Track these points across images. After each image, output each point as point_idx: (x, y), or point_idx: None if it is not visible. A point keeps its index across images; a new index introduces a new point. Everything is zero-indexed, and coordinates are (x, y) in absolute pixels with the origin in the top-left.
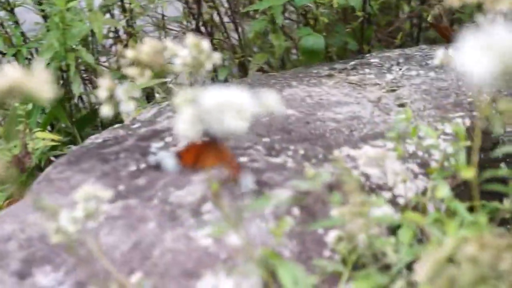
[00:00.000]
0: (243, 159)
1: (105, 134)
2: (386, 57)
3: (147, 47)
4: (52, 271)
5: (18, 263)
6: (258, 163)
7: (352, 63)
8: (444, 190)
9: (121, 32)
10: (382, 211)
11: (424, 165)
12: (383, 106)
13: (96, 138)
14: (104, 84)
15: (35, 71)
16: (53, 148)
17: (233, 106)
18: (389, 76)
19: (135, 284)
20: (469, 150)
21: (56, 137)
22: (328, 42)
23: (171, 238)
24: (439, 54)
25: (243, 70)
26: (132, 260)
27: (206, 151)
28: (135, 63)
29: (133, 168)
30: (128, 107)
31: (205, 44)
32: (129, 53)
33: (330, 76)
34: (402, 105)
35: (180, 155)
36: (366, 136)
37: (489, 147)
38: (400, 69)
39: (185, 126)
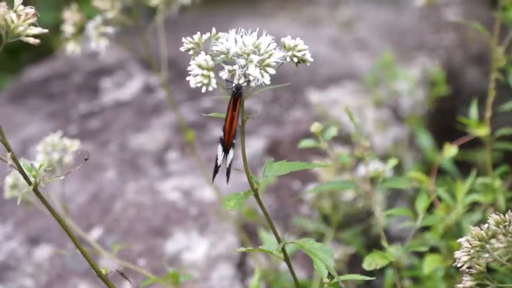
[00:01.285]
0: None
1: (46, 68)
2: None
3: None
4: None
5: None
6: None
7: None
8: (452, 150)
9: None
10: (373, 166)
11: (395, 111)
12: (341, 45)
13: (35, 72)
14: (71, 17)
15: None
16: None
17: (256, 52)
18: (345, 12)
19: (95, 241)
20: (479, 105)
21: None
22: None
23: (134, 190)
24: None
25: None
26: (91, 214)
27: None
28: None
29: (84, 108)
30: (99, 45)
31: None
32: None
33: (283, 8)
34: (361, 45)
35: None
36: (329, 77)
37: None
38: (357, 5)
39: (199, 76)
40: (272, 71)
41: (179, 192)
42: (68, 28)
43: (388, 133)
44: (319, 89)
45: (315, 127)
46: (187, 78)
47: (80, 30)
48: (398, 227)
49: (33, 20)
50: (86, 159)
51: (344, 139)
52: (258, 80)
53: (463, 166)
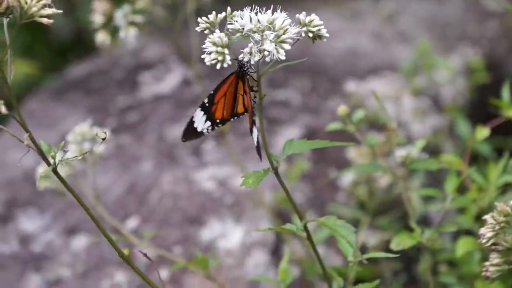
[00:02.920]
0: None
1: (88, 65)
2: None
3: None
4: (37, 215)
5: None
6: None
7: None
8: (484, 132)
9: None
10: (406, 150)
11: (436, 101)
12: (383, 38)
13: (78, 69)
14: (100, 7)
15: None
16: (31, 77)
17: (272, 28)
18: (387, 5)
19: (131, 231)
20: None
21: (33, 65)
22: None
23: (170, 180)
24: None
25: None
26: (128, 205)
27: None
28: None
29: (123, 102)
30: (128, 34)
31: None
32: None
33: (325, 2)
34: (403, 37)
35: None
36: (369, 69)
37: None
38: None
39: (213, 53)
40: (287, 46)
41: (214, 182)
42: (97, 18)
43: (427, 122)
44: (358, 80)
45: (341, 109)
46: (202, 56)
47: (110, 20)
48: (429, 209)
49: (47, 1)
50: (103, 139)
51: (380, 127)
52: (273, 55)
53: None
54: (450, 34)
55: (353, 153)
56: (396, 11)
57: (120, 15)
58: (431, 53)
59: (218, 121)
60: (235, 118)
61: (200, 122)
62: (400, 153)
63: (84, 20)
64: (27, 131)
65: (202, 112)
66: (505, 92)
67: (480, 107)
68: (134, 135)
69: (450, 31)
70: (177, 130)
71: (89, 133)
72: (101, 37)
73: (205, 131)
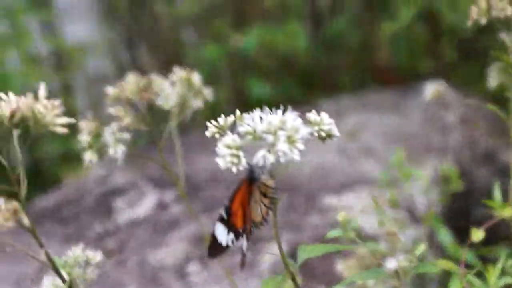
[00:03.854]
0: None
1: (56, 195)
2: (339, 102)
3: (131, 84)
4: None
5: None
6: None
7: (305, 108)
8: (479, 234)
9: None
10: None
11: (411, 211)
12: (349, 153)
13: (45, 200)
14: (86, 126)
15: None
16: None
17: (285, 129)
18: (348, 122)
19: None
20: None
21: None
22: (275, 90)
23: None
24: (429, 88)
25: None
26: None
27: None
28: (118, 101)
29: (99, 229)
30: (117, 151)
31: (196, 78)
32: (112, 90)
33: None
34: (368, 152)
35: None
36: (341, 183)
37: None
38: (358, 114)
39: (226, 156)
40: (301, 146)
41: None
42: (84, 137)
43: (407, 233)
44: (333, 194)
45: (341, 216)
46: (216, 160)
47: (97, 138)
48: None
49: (60, 110)
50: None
51: (363, 240)
52: (287, 156)
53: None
54: (414, 146)
55: (341, 265)
56: (358, 127)
57: (109, 133)
58: (402, 164)
59: (241, 231)
60: (256, 227)
61: (223, 235)
62: (398, 262)
63: (41, 151)
64: (41, 245)
65: (222, 225)
66: (496, 193)
67: (452, 218)
68: (115, 261)
69: (414, 143)
70: (159, 254)
71: (81, 257)
72: (89, 156)
73: (230, 243)
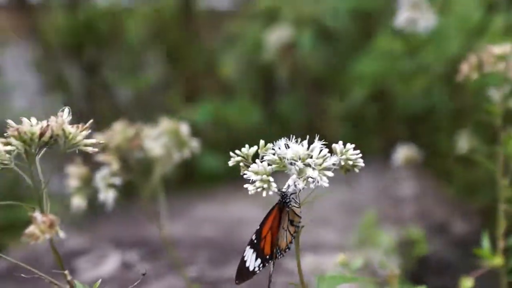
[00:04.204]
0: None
1: (11, 257)
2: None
3: (118, 132)
4: None
5: None
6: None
7: None
8: (469, 282)
9: None
10: None
11: (374, 274)
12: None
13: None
14: (75, 171)
15: None
16: None
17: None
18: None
19: None
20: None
21: None
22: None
23: None
24: (400, 152)
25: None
26: None
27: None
28: (107, 148)
29: None
30: (107, 197)
31: (184, 128)
32: (100, 138)
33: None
34: (324, 221)
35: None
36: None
37: None
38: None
39: (258, 181)
40: (330, 173)
41: None
42: (73, 182)
43: None
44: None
45: (341, 258)
46: (245, 186)
47: (86, 183)
48: None
49: (89, 131)
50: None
51: None
52: (317, 182)
53: None
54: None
55: None
56: (312, 198)
57: (99, 177)
58: (372, 227)
59: (267, 257)
60: (281, 255)
61: (252, 260)
62: None
63: None
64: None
65: (252, 250)
66: (485, 242)
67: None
68: None
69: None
70: None
71: None
72: (77, 201)
73: (256, 269)
